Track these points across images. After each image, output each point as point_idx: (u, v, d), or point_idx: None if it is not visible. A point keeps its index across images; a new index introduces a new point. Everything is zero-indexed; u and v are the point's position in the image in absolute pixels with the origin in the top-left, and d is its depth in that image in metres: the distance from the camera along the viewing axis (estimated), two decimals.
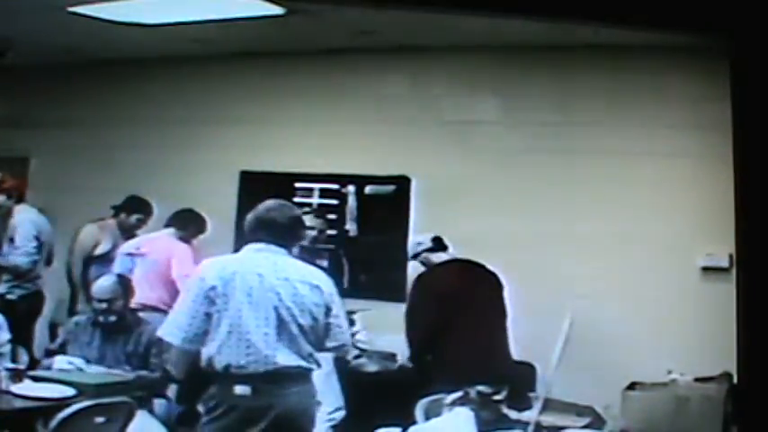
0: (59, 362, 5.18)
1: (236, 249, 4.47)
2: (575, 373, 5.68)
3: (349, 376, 5.71)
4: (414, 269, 5.99)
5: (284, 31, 6.65)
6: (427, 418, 4.74)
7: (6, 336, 5.35)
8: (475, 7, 3.49)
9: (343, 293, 4.51)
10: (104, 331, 5.38)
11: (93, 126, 8.01)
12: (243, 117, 7.58)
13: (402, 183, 7.17)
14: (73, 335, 5.46)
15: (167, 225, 6.71)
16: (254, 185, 7.39)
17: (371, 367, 5.98)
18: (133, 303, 5.63)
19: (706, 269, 6.25)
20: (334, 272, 4.85)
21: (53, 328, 6.95)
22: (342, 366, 5.61)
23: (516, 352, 5.77)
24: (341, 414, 5.69)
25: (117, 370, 5.21)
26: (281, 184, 7.26)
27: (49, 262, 6.87)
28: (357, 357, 5.82)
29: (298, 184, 7.43)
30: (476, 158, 6.94)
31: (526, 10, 3.27)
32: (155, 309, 6.01)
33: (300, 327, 4.12)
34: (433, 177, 7.06)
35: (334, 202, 7.39)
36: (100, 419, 4.49)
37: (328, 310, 4.22)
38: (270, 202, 4.32)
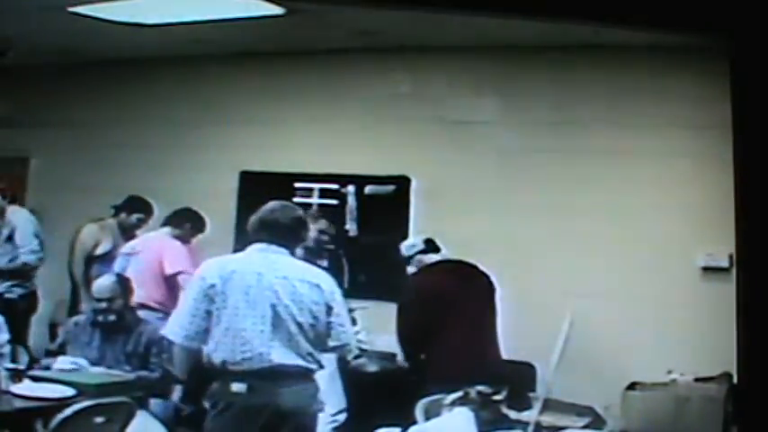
0: (62, 362, 5.18)
1: (236, 249, 4.50)
2: (575, 373, 5.68)
3: (349, 376, 5.72)
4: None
5: (284, 31, 6.64)
6: (427, 418, 4.74)
7: (6, 336, 5.35)
8: (475, 7, 3.49)
9: (343, 293, 4.51)
10: (104, 331, 5.38)
11: (93, 126, 8.01)
12: (242, 117, 7.58)
13: (402, 183, 7.17)
14: (72, 335, 5.46)
15: (164, 224, 6.71)
16: (254, 185, 7.40)
17: (371, 367, 5.98)
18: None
19: (706, 269, 6.24)
20: (333, 272, 4.85)
21: (53, 328, 6.95)
22: (342, 367, 5.61)
23: (516, 352, 5.77)
24: (344, 416, 5.69)
25: (117, 371, 5.21)
26: (281, 184, 7.26)
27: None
28: (357, 357, 5.81)
29: (297, 184, 7.43)
30: (476, 158, 6.94)
31: (526, 10, 3.27)
32: (145, 306, 6.00)
33: (299, 325, 4.15)
34: (433, 177, 7.07)
35: (334, 202, 7.38)
36: (100, 419, 4.49)
37: (329, 309, 4.24)
38: (273, 204, 4.38)
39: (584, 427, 4.76)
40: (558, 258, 6.54)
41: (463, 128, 6.98)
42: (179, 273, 6.33)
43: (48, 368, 5.15)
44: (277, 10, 6.07)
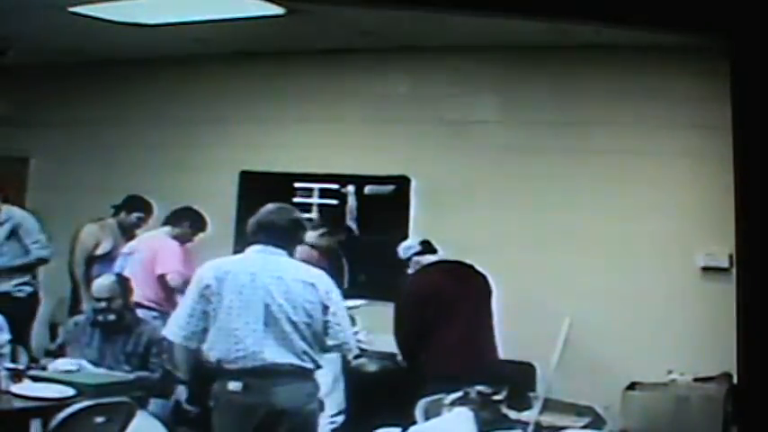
0: (63, 363, 5.17)
1: (236, 249, 4.51)
2: (575, 373, 5.69)
3: (349, 376, 5.72)
4: None
5: (284, 31, 6.64)
6: (427, 418, 4.75)
7: (6, 336, 5.34)
8: (475, 7, 3.48)
9: (343, 293, 4.53)
10: (104, 331, 5.38)
11: (93, 126, 8.02)
12: (243, 117, 7.58)
13: (402, 183, 7.17)
14: (72, 335, 5.46)
15: (164, 223, 6.71)
16: (254, 185, 7.40)
17: (371, 367, 5.99)
18: None
19: (706, 269, 6.24)
20: (333, 272, 4.85)
21: (53, 329, 6.95)
22: (342, 367, 5.62)
23: (516, 352, 5.77)
24: (342, 418, 5.70)
25: (117, 372, 5.20)
26: (281, 184, 7.27)
27: None
28: (357, 357, 5.82)
29: (297, 184, 7.43)
30: (476, 158, 6.94)
31: (526, 10, 3.26)
32: (141, 305, 5.99)
33: (294, 324, 4.19)
34: (433, 177, 7.07)
35: (334, 201, 7.38)
36: (100, 419, 4.49)
37: (325, 309, 4.26)
38: (270, 206, 4.44)
39: (584, 426, 4.77)
40: (558, 258, 6.54)
41: (463, 128, 6.98)
42: (168, 272, 6.33)
43: (47, 368, 5.15)
44: (277, 10, 6.07)
